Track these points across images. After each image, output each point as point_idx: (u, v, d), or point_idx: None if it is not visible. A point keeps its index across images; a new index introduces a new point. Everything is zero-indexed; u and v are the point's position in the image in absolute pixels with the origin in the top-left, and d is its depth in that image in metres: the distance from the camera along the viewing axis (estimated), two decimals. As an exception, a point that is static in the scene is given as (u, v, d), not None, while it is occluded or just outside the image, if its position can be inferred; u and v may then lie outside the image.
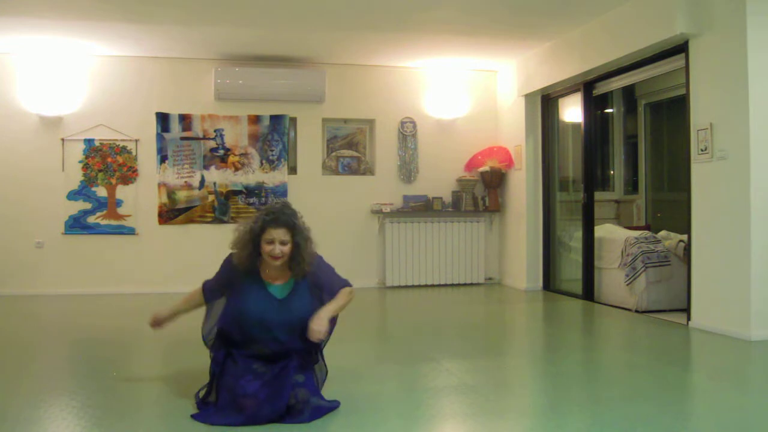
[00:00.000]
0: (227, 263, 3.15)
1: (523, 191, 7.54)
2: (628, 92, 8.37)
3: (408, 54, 7.33)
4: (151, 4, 5.59)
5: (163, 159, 7.30)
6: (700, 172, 5.04)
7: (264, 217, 2.97)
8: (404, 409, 3.16)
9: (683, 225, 5.42)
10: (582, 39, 6.27)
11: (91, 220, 7.20)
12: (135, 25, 6.19)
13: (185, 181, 7.35)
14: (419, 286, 7.77)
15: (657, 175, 8.31)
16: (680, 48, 5.24)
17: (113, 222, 7.24)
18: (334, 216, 7.61)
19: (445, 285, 7.86)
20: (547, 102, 7.40)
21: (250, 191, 7.47)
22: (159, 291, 7.22)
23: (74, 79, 7.18)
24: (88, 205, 7.20)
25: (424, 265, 7.79)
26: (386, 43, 6.90)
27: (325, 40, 6.81)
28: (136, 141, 7.28)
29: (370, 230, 7.78)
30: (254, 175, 7.47)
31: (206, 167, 7.39)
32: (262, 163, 7.48)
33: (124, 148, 7.25)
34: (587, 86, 6.65)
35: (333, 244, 7.48)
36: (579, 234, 6.78)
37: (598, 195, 7.35)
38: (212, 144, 7.41)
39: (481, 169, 7.86)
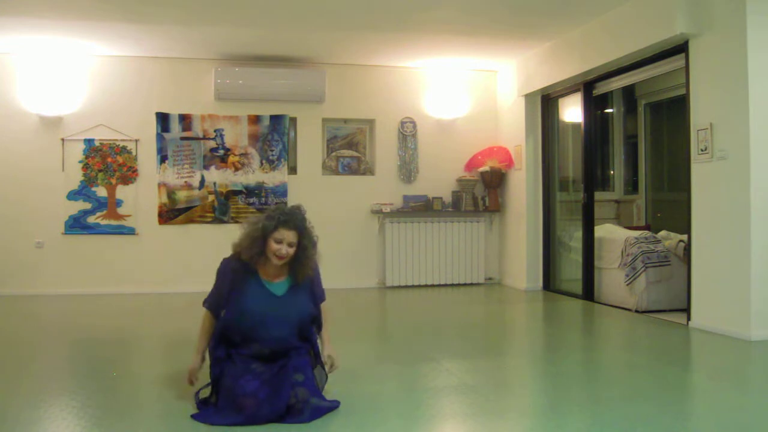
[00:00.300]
0: (225, 267, 3.15)
1: (523, 191, 7.54)
2: (628, 92, 8.37)
3: (408, 54, 7.34)
4: (151, 4, 5.59)
5: (163, 159, 7.30)
6: (700, 172, 5.04)
7: (279, 216, 3.01)
8: (404, 409, 3.16)
9: (683, 225, 5.42)
10: (582, 39, 6.28)
11: (91, 220, 7.21)
12: (135, 25, 6.19)
13: (185, 181, 7.35)
14: (419, 286, 7.77)
15: (657, 175, 8.31)
16: (680, 48, 5.24)
17: (113, 222, 7.25)
18: (334, 216, 7.61)
19: (445, 285, 7.86)
20: (547, 102, 7.40)
21: (250, 191, 7.47)
22: (159, 291, 7.23)
23: (74, 79, 7.18)
24: (88, 205, 7.20)
25: (424, 265, 7.79)
26: (386, 43, 6.90)
27: (325, 40, 6.81)
28: (136, 141, 7.28)
29: (370, 230, 7.78)
30: (254, 175, 7.47)
31: (206, 167, 7.39)
32: (262, 163, 7.48)
33: (124, 148, 7.25)
34: (587, 86, 6.65)
35: (333, 244, 7.49)
36: (579, 234, 6.78)
37: (598, 195, 7.35)
38: (212, 144, 7.41)
39: (481, 169, 7.86)
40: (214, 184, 7.41)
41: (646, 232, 6.40)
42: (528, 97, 7.45)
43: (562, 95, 7.19)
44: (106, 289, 7.18)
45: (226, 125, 7.43)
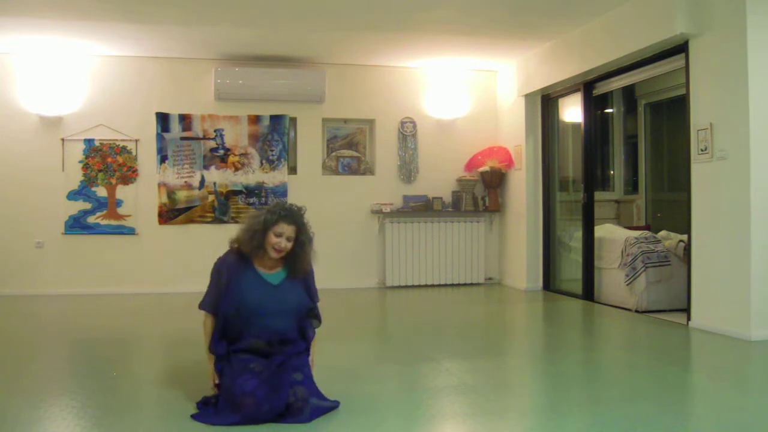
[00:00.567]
0: (220, 263, 3.19)
1: (523, 191, 7.54)
2: (628, 92, 8.37)
3: (408, 54, 7.34)
4: (151, 4, 5.59)
5: (163, 159, 7.30)
6: (700, 172, 5.04)
7: (280, 211, 3.11)
8: (404, 409, 3.16)
9: (683, 225, 5.42)
10: (582, 39, 6.28)
11: (91, 220, 7.21)
12: (135, 25, 6.19)
13: (185, 181, 7.35)
14: (419, 286, 7.77)
15: (657, 175, 8.31)
16: (680, 48, 5.24)
17: (113, 222, 7.25)
18: (334, 216, 7.61)
19: (445, 285, 7.86)
20: (547, 102, 7.40)
21: (250, 191, 7.47)
22: (159, 291, 7.23)
23: (74, 79, 7.18)
24: (88, 205, 7.20)
25: (424, 265, 7.79)
26: (386, 43, 6.90)
27: (325, 40, 6.81)
28: (136, 141, 7.28)
29: (370, 230, 7.78)
30: (254, 175, 7.47)
31: (206, 167, 7.39)
32: (262, 163, 7.48)
33: (124, 148, 7.25)
34: (587, 86, 6.65)
35: (333, 244, 7.51)
36: (579, 234, 6.78)
37: (598, 195, 7.35)
38: (212, 144, 7.41)
39: (481, 169, 7.86)
40: (214, 184, 7.41)
41: (646, 232, 6.40)
42: (528, 97, 7.45)
43: (562, 95, 7.19)
44: (106, 289, 7.18)
45: (226, 125, 7.43)
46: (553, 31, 6.43)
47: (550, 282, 7.39)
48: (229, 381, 2.92)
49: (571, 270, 7.05)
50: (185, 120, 7.35)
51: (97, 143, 7.19)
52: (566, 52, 6.56)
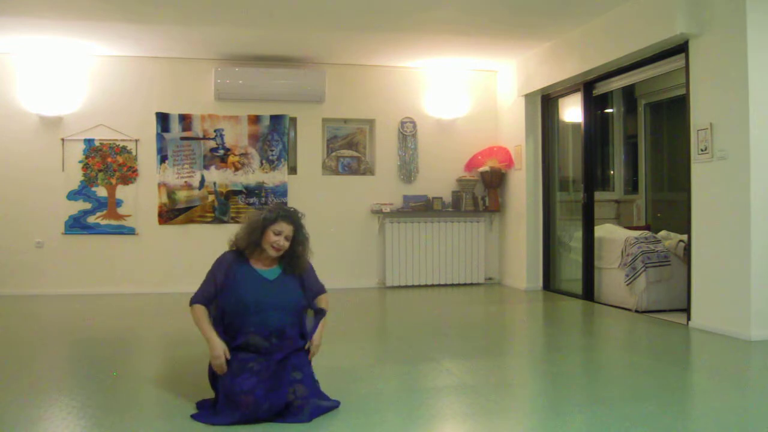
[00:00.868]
0: (219, 261, 3.27)
1: (523, 191, 7.54)
2: (628, 92, 8.37)
3: (408, 54, 7.34)
4: (151, 4, 5.60)
5: (163, 159, 7.30)
6: (700, 172, 5.04)
7: (279, 211, 3.21)
8: (404, 409, 3.16)
9: (683, 225, 5.42)
10: (582, 39, 6.28)
11: (91, 220, 7.21)
12: (135, 25, 6.19)
13: (185, 181, 7.35)
14: (419, 286, 7.77)
15: (657, 175, 8.32)
16: (680, 48, 5.24)
17: (113, 222, 7.25)
18: (334, 216, 7.61)
19: (445, 285, 7.86)
20: (547, 102, 7.40)
21: (250, 191, 7.47)
22: (159, 291, 7.23)
23: (74, 79, 7.18)
24: (88, 205, 7.20)
25: (424, 265, 7.79)
26: (386, 43, 6.90)
27: (325, 40, 6.81)
28: (136, 141, 7.28)
29: (370, 230, 7.78)
30: (254, 175, 7.47)
31: (206, 167, 7.39)
32: (262, 163, 7.48)
33: (124, 148, 7.25)
34: (587, 86, 6.65)
35: (333, 244, 7.51)
36: (579, 234, 6.78)
37: (598, 195, 7.35)
38: (212, 144, 7.41)
39: (481, 169, 7.86)
40: (214, 184, 7.41)
41: (646, 232, 6.40)
42: (528, 97, 7.45)
43: (562, 95, 7.19)
44: (106, 289, 7.18)
45: (226, 125, 7.43)
46: (553, 31, 6.43)
47: (550, 282, 7.40)
48: (229, 380, 2.93)
49: (571, 270, 7.05)
50: (185, 120, 7.35)
51: (97, 143, 7.19)
52: (566, 52, 6.56)
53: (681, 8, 4.98)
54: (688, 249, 5.25)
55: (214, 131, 7.41)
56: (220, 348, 3.00)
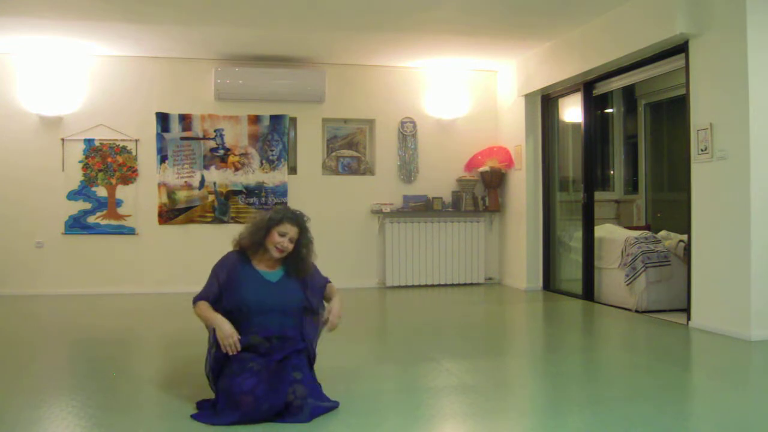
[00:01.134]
0: (223, 260, 3.28)
1: (523, 191, 7.54)
2: (628, 92, 8.38)
3: (408, 54, 7.34)
4: (151, 4, 5.59)
5: (163, 159, 7.30)
6: (700, 172, 5.04)
7: (285, 212, 3.23)
8: (404, 409, 3.16)
9: (683, 225, 5.42)
10: (582, 39, 6.28)
11: (91, 220, 7.21)
12: (135, 25, 6.19)
13: (185, 181, 7.35)
14: (419, 286, 7.77)
15: (657, 175, 8.32)
16: (680, 48, 5.24)
17: (113, 222, 7.24)
18: (334, 216, 7.61)
19: (445, 285, 7.86)
20: (547, 102, 7.40)
21: (250, 191, 7.47)
22: (159, 291, 7.23)
23: (74, 79, 7.18)
24: (88, 205, 7.20)
25: (424, 265, 7.79)
26: (386, 43, 6.90)
27: (325, 40, 6.81)
28: (136, 141, 7.28)
29: (370, 230, 7.78)
30: (254, 175, 7.47)
31: (206, 167, 7.39)
32: (262, 163, 7.48)
33: (124, 148, 7.25)
34: (587, 86, 6.65)
35: (333, 244, 7.50)
36: (579, 234, 6.78)
37: (598, 195, 7.35)
38: (212, 144, 7.41)
39: (481, 169, 7.86)
40: (214, 184, 7.41)
41: (646, 232, 6.40)
42: (528, 97, 7.45)
43: (562, 95, 7.19)
44: (106, 289, 7.18)
45: (226, 125, 7.43)
46: (553, 31, 6.43)
47: (550, 282, 7.39)
48: (229, 380, 2.92)
49: (571, 270, 7.05)
50: (185, 120, 7.35)
51: (97, 143, 7.19)
52: (566, 52, 6.56)
53: (681, 8, 4.98)
54: (688, 249, 5.25)
55: (214, 131, 7.40)
56: (228, 327, 2.99)
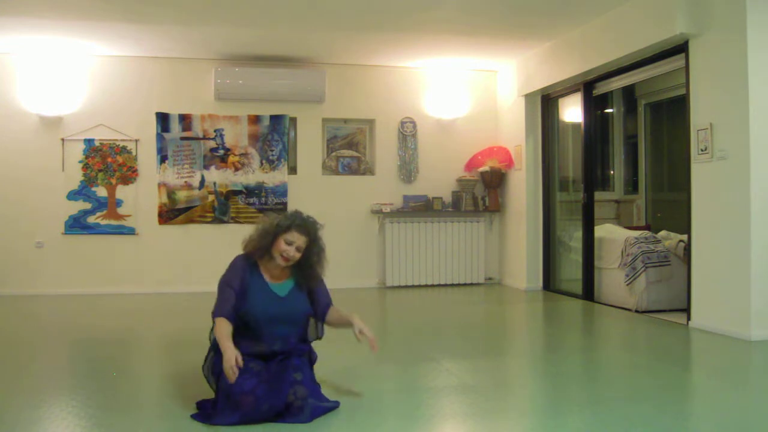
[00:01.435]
0: (231, 272, 3.10)
1: (523, 191, 7.54)
2: (628, 92, 8.37)
3: (408, 54, 7.33)
4: (151, 4, 5.59)
5: (163, 159, 7.30)
6: (700, 172, 5.04)
7: (295, 219, 3.08)
8: (404, 409, 3.16)
9: (683, 225, 5.42)
10: (582, 39, 6.28)
11: (91, 220, 7.21)
12: (135, 25, 6.19)
13: (185, 181, 7.35)
14: (419, 286, 7.77)
15: (657, 175, 8.32)
16: (680, 48, 5.24)
17: (113, 222, 7.24)
18: (334, 216, 7.59)
19: (445, 285, 7.86)
20: (547, 102, 7.40)
21: (250, 191, 7.47)
22: (159, 291, 7.23)
23: (74, 79, 7.18)
24: (88, 205, 7.20)
25: (424, 265, 7.79)
26: (386, 43, 6.90)
27: (325, 40, 6.81)
28: (136, 141, 7.28)
29: (370, 230, 7.78)
30: (254, 175, 7.47)
31: (206, 167, 7.39)
32: (262, 163, 7.48)
33: (124, 148, 7.25)
34: (587, 86, 6.65)
35: (333, 244, 7.44)
36: (579, 234, 6.78)
37: (598, 195, 7.35)
38: (212, 144, 7.41)
39: (481, 169, 7.86)
40: (214, 184, 7.41)
41: (646, 232, 6.40)
42: (528, 97, 7.45)
43: (562, 95, 7.19)
44: (106, 289, 7.18)
45: (226, 125, 7.43)
46: (553, 31, 6.43)
47: (550, 282, 7.39)
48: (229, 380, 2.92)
49: (571, 270, 7.05)
50: (185, 120, 7.35)
51: (97, 143, 7.19)
52: (566, 52, 6.56)
53: (681, 8, 4.98)
54: (688, 249, 5.25)
55: (214, 131, 7.40)
56: (233, 356, 2.83)
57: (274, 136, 7.51)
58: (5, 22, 6.03)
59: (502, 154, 7.80)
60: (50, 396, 3.39)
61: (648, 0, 5.35)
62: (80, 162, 7.17)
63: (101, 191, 7.21)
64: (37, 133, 7.11)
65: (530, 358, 4.55)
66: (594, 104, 6.82)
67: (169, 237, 7.34)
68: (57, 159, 7.13)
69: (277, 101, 7.48)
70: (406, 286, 7.75)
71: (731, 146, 4.75)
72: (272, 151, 7.50)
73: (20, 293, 7.00)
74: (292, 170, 7.65)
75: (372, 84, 7.81)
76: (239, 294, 3.04)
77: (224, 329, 2.95)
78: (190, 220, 7.38)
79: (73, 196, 7.16)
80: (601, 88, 6.68)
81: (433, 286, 7.82)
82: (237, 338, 3.05)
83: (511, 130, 7.76)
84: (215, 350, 3.03)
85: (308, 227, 3.09)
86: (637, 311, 5.89)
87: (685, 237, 5.44)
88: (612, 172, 8.65)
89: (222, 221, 7.40)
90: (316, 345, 3.35)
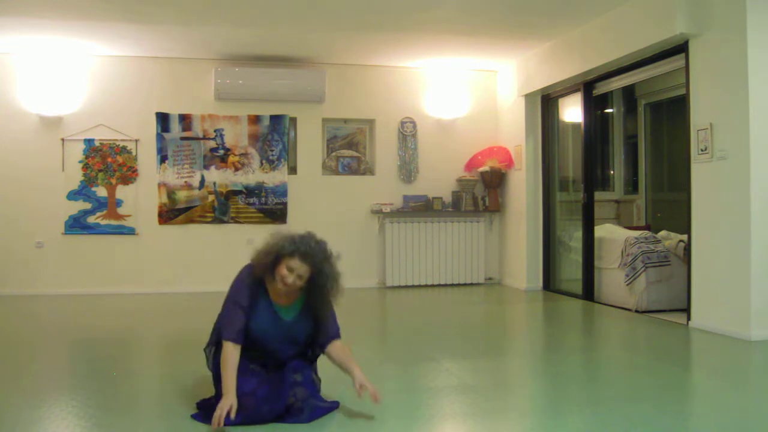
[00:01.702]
0: (240, 287, 2.94)
1: (523, 191, 7.54)
2: (628, 92, 8.37)
3: (408, 54, 7.33)
4: (151, 4, 5.59)
5: (163, 159, 7.30)
6: (700, 172, 5.04)
7: (300, 245, 2.84)
8: (404, 409, 3.16)
9: (683, 225, 5.42)
10: (582, 39, 6.27)
11: (91, 220, 7.20)
12: (135, 25, 6.19)
13: (185, 181, 7.35)
14: (419, 286, 7.77)
15: (657, 175, 8.31)
16: (680, 48, 5.24)
17: (113, 222, 7.24)
18: (334, 216, 7.61)
19: (445, 285, 7.86)
20: (547, 102, 7.40)
21: (250, 191, 7.46)
22: (159, 291, 7.23)
23: (74, 79, 7.18)
24: (88, 205, 7.20)
25: (424, 265, 7.79)
26: (386, 43, 6.90)
27: (325, 40, 6.81)
28: (136, 141, 7.28)
29: (370, 230, 7.78)
30: (254, 175, 7.47)
31: (206, 167, 7.39)
32: (262, 163, 7.48)
33: (124, 148, 7.25)
34: (587, 86, 6.65)
35: (333, 244, 7.48)
36: (579, 234, 6.78)
37: (598, 195, 7.35)
38: (212, 144, 7.41)
39: (481, 169, 7.86)
40: (214, 184, 7.41)
41: (646, 232, 6.40)
42: (528, 97, 7.45)
43: (562, 95, 7.19)
44: (106, 289, 7.17)
45: (226, 125, 7.43)
46: (553, 31, 6.43)
47: (550, 282, 7.39)
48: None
49: (571, 270, 7.05)
50: (185, 120, 7.34)
51: (97, 143, 7.19)
52: (566, 52, 6.56)
53: (681, 8, 4.98)
54: (688, 249, 5.25)
55: (214, 131, 7.40)
56: (228, 405, 2.71)
57: (274, 136, 7.51)
58: (5, 22, 6.03)
59: (502, 154, 7.80)
60: (50, 396, 3.39)
61: (648, 0, 5.35)
62: (80, 162, 7.17)
63: (101, 191, 7.21)
64: (37, 133, 7.11)
65: (530, 358, 4.55)
66: (594, 104, 6.82)
67: (169, 237, 7.34)
68: (57, 159, 7.13)
69: (277, 101, 7.48)
70: (406, 286, 7.75)
71: (731, 146, 4.75)
72: (272, 151, 7.50)
73: (20, 293, 7.00)
74: (292, 170, 7.65)
75: (372, 84, 7.81)
76: (248, 312, 2.89)
77: (232, 360, 2.80)
78: (190, 220, 7.38)
79: (73, 196, 7.16)
80: (601, 88, 6.68)
81: (433, 286, 7.82)
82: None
83: (511, 130, 7.76)
84: (216, 346, 3.00)
85: (313, 257, 2.84)
86: (637, 311, 5.89)
87: (685, 237, 5.44)
88: (612, 172, 8.65)
89: (222, 221, 7.40)
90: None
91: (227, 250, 7.21)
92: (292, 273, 2.82)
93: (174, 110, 7.33)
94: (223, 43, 6.84)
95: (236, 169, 7.44)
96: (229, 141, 7.43)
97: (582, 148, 6.78)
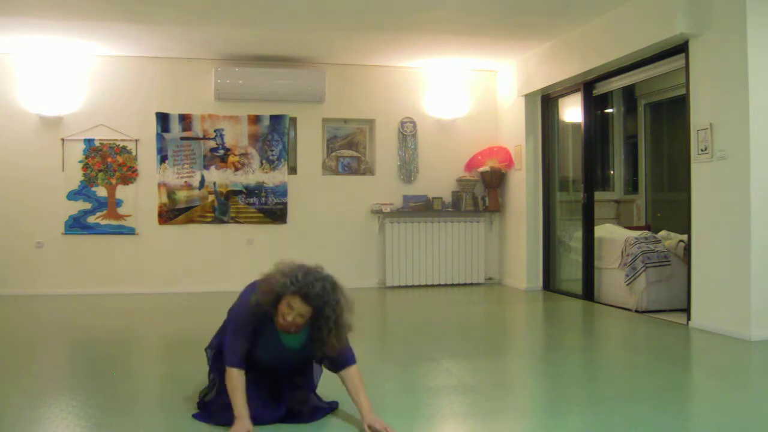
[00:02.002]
0: (245, 314, 2.82)
1: (523, 191, 7.54)
2: (628, 92, 8.37)
3: (408, 54, 7.33)
4: (151, 4, 5.59)
5: (163, 159, 7.30)
6: (700, 172, 5.04)
7: (302, 284, 2.67)
8: (404, 409, 3.16)
9: (683, 225, 5.42)
10: (582, 39, 6.28)
11: (91, 220, 7.21)
12: (135, 25, 6.19)
13: (185, 181, 7.35)
14: (419, 286, 7.77)
15: (657, 175, 8.31)
16: (680, 48, 5.24)
17: (113, 222, 7.24)
18: (334, 216, 7.61)
19: (445, 285, 7.86)
20: (547, 102, 7.40)
21: (250, 191, 7.46)
22: (159, 291, 7.23)
23: (74, 79, 7.18)
24: (88, 205, 7.20)
25: (424, 265, 7.79)
26: (386, 43, 6.90)
27: (325, 40, 6.81)
28: (136, 141, 7.28)
29: (370, 230, 7.78)
30: (254, 175, 7.47)
31: (206, 167, 7.39)
32: (262, 163, 7.48)
33: (124, 148, 7.25)
34: (587, 86, 6.65)
35: (333, 244, 7.51)
36: (579, 234, 6.78)
37: (598, 195, 7.35)
38: (212, 144, 7.41)
39: (481, 169, 7.86)
40: (214, 184, 7.41)
41: (646, 232, 6.40)
42: (528, 97, 7.45)
43: (562, 95, 7.19)
44: (106, 289, 7.17)
45: (226, 125, 7.43)
46: (553, 31, 6.43)
47: (550, 282, 7.39)
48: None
49: (571, 270, 7.05)
50: (185, 120, 7.34)
51: (97, 143, 7.19)
52: (566, 52, 6.56)
53: (681, 8, 4.98)
54: (688, 249, 5.25)
55: (214, 131, 7.40)
56: (243, 429, 2.65)
57: (274, 136, 7.51)
58: (5, 22, 6.03)
59: (502, 154, 7.80)
60: (50, 396, 3.39)
61: (648, 0, 5.35)
62: (80, 162, 7.17)
63: (101, 191, 7.21)
64: (37, 133, 7.11)
65: (530, 358, 4.55)
66: (594, 104, 6.82)
67: (169, 237, 7.34)
68: (57, 159, 7.13)
69: (277, 101, 7.48)
70: (406, 286, 7.75)
71: (731, 146, 4.75)
72: (272, 151, 7.50)
73: (20, 293, 7.00)
74: (292, 170, 7.65)
75: (372, 84, 7.81)
76: (252, 339, 2.80)
77: (240, 385, 2.74)
78: (190, 220, 7.38)
79: (73, 196, 7.16)
80: (601, 88, 6.68)
81: (433, 286, 7.82)
82: None
83: (511, 130, 7.76)
84: (217, 349, 3.00)
85: (315, 298, 2.67)
86: (637, 311, 5.89)
87: (685, 237, 5.44)
88: (612, 172, 8.65)
89: (222, 221, 7.40)
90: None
91: (227, 250, 7.21)
92: (293, 311, 2.69)
93: (174, 110, 7.33)
94: (223, 43, 6.84)
95: (236, 169, 7.44)
96: (229, 141, 7.43)
97: (582, 148, 6.78)
